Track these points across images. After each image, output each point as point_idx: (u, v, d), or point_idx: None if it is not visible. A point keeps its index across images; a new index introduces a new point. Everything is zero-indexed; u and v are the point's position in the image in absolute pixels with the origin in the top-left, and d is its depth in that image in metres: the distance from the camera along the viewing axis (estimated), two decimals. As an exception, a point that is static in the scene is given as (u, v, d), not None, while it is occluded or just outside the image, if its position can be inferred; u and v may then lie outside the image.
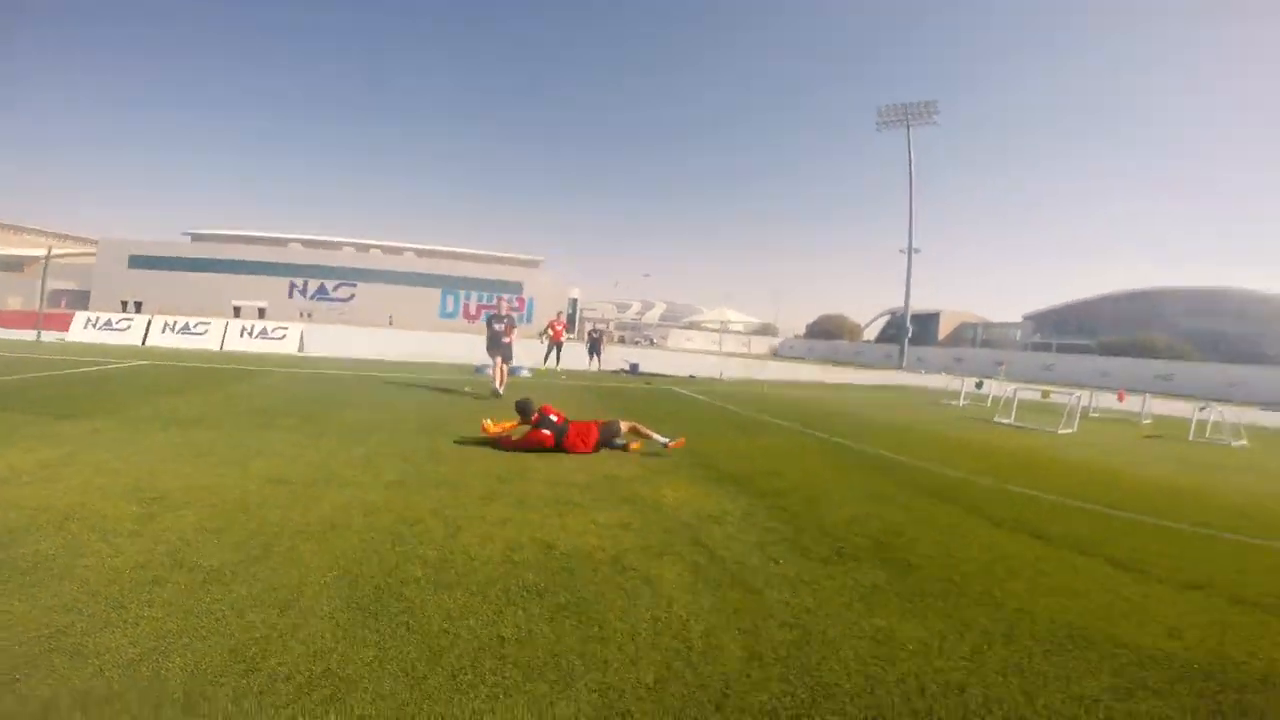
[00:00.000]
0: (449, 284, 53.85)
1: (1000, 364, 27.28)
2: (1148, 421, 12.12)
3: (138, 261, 48.60)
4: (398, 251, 56.50)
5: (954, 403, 14.49)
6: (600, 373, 18.25)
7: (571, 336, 23.90)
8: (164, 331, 18.64)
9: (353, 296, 51.95)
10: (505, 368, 10.71)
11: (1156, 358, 32.05)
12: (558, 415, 5.99)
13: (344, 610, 2.50)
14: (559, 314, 22.57)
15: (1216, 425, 10.85)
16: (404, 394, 10.00)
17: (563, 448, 5.79)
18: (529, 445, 5.76)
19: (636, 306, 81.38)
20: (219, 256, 50.17)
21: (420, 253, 56.49)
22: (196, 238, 53.35)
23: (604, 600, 2.75)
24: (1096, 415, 12.90)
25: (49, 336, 17.15)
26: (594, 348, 19.41)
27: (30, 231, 53.39)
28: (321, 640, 2.26)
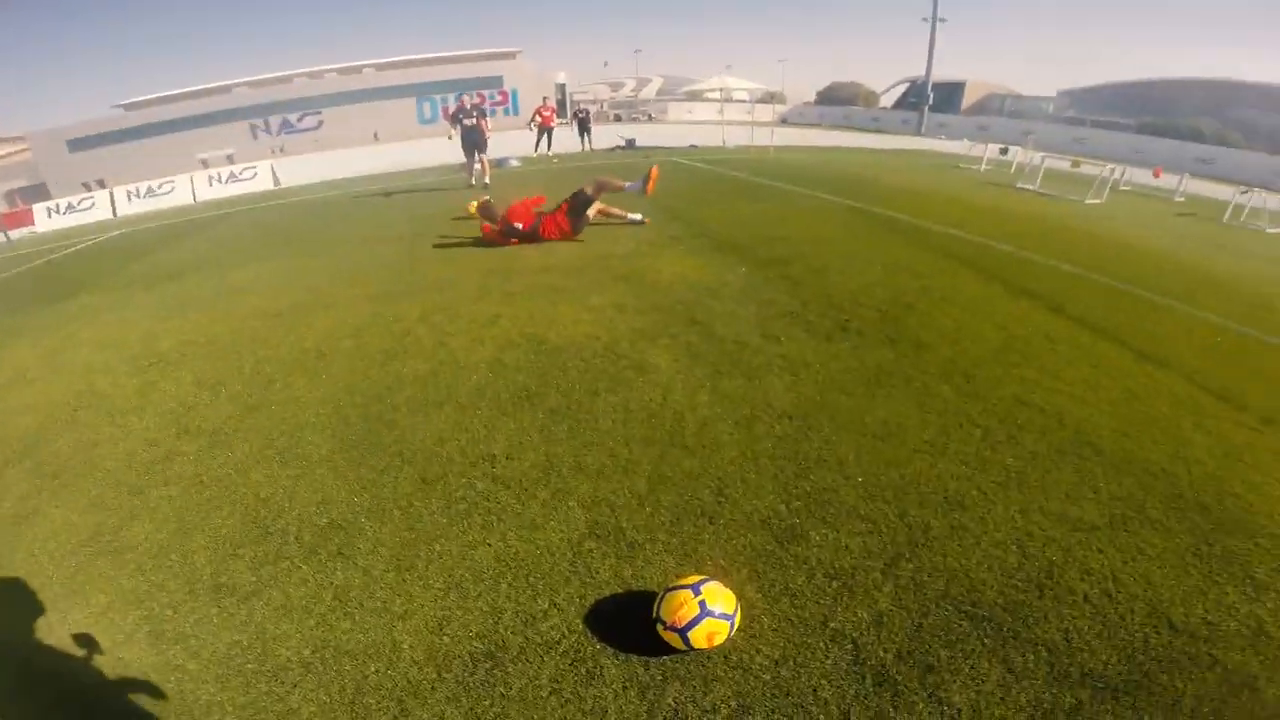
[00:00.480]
0: (422, 90, 49.12)
1: (1028, 133, 24.34)
2: (1181, 199, 10.81)
3: (76, 145, 45.13)
4: (355, 69, 50.68)
5: (975, 168, 13.13)
6: (591, 152, 17.14)
7: (562, 120, 22.04)
8: (131, 200, 17.75)
9: (320, 124, 48.05)
10: (485, 160, 10.31)
11: (1202, 143, 28.19)
12: (525, 220, 5.55)
13: (339, 450, 2.51)
14: (545, 99, 20.48)
15: (1254, 211, 9.64)
16: (387, 205, 9.52)
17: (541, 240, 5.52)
18: (503, 244, 5.52)
19: (631, 84, 73.55)
20: (162, 119, 46.05)
21: (380, 67, 50.54)
22: (129, 107, 48.42)
23: (597, 399, 2.68)
24: (1128, 189, 11.48)
25: (18, 235, 16.60)
26: (583, 127, 18.08)
27: None
28: (323, 489, 2.28)
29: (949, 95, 45.94)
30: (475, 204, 5.81)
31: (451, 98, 46.98)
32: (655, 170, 5.54)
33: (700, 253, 4.82)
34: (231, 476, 2.45)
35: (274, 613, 1.77)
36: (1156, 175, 14.01)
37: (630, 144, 18.55)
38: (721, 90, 24.69)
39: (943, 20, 36.97)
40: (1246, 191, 10.30)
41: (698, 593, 1.49)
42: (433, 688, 1.49)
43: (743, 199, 7.51)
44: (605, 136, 19.34)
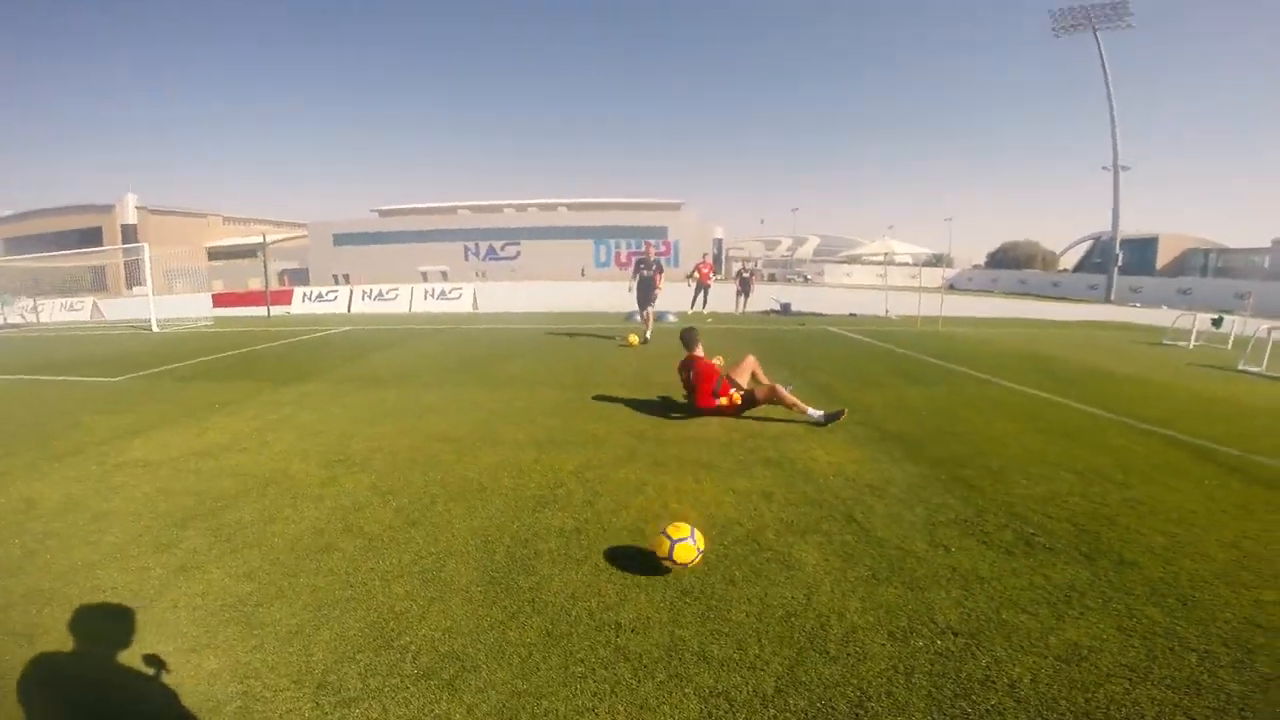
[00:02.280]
0: (599, 234, 55.70)
1: (1243, 296, 20.99)
2: None
3: (340, 239, 56.71)
4: (552, 208, 59.31)
5: (1181, 344, 11.59)
6: (745, 314, 17.63)
7: (719, 277, 23.23)
8: (364, 299, 21.61)
9: (518, 254, 55.80)
10: (651, 313, 10.73)
11: None
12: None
13: (478, 584, 2.56)
14: (705, 255, 21.94)
15: None
16: (559, 346, 10.46)
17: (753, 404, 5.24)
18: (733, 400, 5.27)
19: (787, 243, 77.12)
20: (403, 229, 56.58)
21: (572, 206, 58.72)
22: (383, 214, 60.53)
23: (733, 588, 2.51)
24: None
25: (277, 310, 20.72)
26: (744, 288, 18.70)
27: (256, 222, 64.75)
28: (453, 617, 2.32)
29: (1141, 252, 41.19)
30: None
31: (624, 244, 52.80)
32: (845, 414, 5.05)
33: (860, 443, 4.55)
34: (375, 583, 2.57)
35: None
36: None
37: (785, 309, 18.68)
38: (885, 254, 24.69)
39: (1125, 168, 34.68)
40: None
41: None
42: None
43: (908, 381, 7.16)
44: (760, 299, 19.73)
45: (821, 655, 2.07)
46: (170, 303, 19.98)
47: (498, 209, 59.99)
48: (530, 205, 60.01)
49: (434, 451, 4.41)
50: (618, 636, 2.19)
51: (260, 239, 25.54)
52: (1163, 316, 16.65)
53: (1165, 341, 12.14)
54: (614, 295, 14.40)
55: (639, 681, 1.96)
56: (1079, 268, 48.39)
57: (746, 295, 18.55)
